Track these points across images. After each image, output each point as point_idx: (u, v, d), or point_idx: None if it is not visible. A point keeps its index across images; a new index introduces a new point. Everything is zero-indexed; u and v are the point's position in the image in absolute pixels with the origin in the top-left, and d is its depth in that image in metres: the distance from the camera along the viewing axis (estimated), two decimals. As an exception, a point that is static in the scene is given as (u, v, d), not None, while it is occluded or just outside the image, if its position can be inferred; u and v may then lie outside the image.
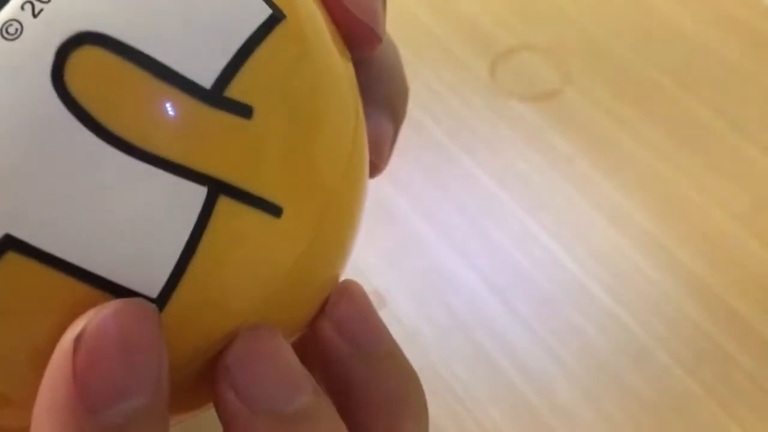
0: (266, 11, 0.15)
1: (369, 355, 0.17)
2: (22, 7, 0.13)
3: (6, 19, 0.13)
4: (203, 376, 0.15)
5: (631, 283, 0.36)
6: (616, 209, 0.39)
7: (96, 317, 0.13)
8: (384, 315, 0.34)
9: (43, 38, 0.13)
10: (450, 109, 0.43)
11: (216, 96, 0.14)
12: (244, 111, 0.14)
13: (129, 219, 0.13)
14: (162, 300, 0.14)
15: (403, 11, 0.47)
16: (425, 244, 0.38)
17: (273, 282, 0.15)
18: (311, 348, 0.17)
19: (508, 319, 0.35)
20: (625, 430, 0.32)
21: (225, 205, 0.14)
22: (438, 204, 0.39)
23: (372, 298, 0.17)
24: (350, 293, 0.17)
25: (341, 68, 0.17)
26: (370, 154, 0.18)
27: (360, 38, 0.18)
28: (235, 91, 0.14)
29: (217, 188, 0.14)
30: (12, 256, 0.13)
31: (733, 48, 0.45)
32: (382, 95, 0.20)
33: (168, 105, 0.13)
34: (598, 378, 0.34)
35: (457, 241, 0.38)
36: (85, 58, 0.13)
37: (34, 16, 0.13)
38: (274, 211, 0.15)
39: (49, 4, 0.13)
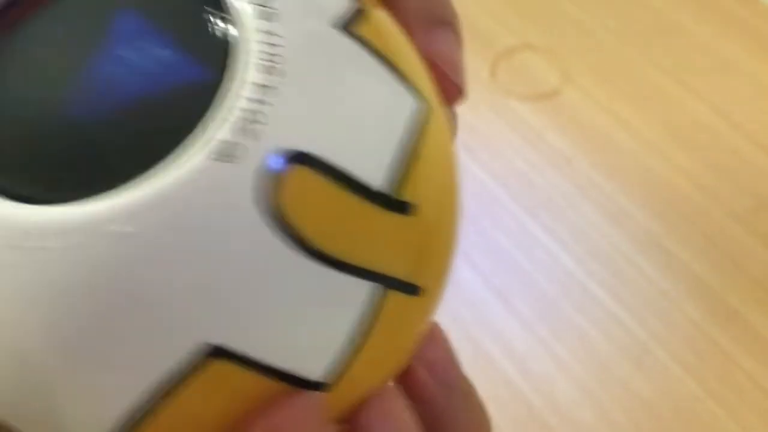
0: (415, 103, 0.15)
1: (457, 393, 0.18)
2: (238, 128, 0.13)
3: (222, 139, 0.13)
4: None
5: (631, 282, 0.36)
6: (616, 209, 0.39)
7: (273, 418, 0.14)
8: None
9: (258, 159, 0.13)
10: (450, 109, 0.43)
11: (396, 201, 0.14)
12: (412, 209, 0.15)
13: (319, 325, 0.14)
14: (326, 384, 0.15)
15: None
16: (425, 244, 0.38)
17: (408, 354, 0.16)
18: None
19: (508, 319, 0.35)
20: (625, 430, 0.32)
21: (393, 299, 0.15)
22: (438, 204, 0.39)
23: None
24: (436, 336, 0.18)
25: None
26: (451, 76, 0.18)
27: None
28: (407, 192, 0.15)
29: (388, 284, 0.15)
30: (217, 363, 0.13)
31: (733, 48, 0.45)
32: (433, 14, 0.18)
33: (361, 216, 0.14)
34: (598, 378, 0.34)
35: (457, 241, 0.38)
36: (296, 178, 0.13)
37: (249, 137, 0.13)
38: (418, 292, 0.15)
39: (266, 126, 0.13)
